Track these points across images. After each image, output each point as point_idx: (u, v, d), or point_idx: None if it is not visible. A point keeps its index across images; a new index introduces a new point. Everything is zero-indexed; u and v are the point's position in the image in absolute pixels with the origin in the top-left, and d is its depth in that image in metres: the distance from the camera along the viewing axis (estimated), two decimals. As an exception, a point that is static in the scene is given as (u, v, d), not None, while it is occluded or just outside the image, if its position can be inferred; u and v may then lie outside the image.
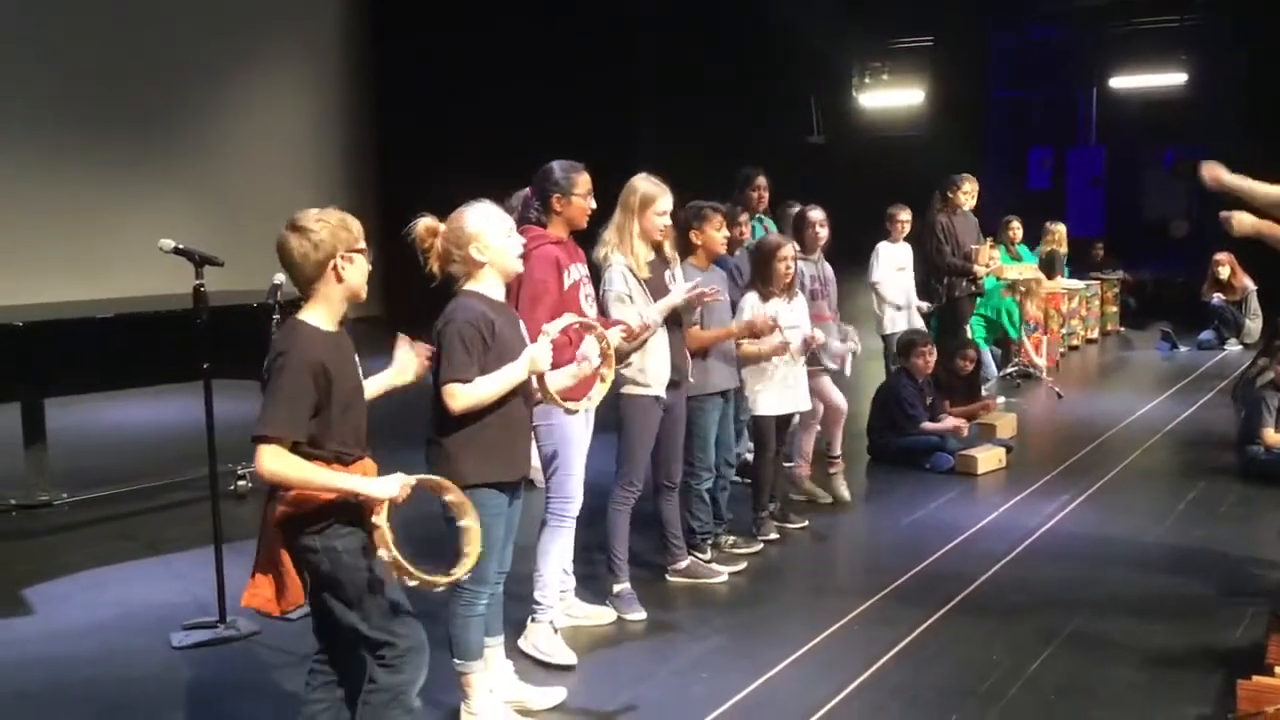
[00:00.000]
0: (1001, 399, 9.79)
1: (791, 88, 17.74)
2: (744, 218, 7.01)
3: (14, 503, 6.79)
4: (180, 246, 4.94)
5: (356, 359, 3.36)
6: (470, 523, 3.38)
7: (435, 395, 3.76)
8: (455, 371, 3.70)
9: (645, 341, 4.95)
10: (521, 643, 4.72)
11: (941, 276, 9.29)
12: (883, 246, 8.84)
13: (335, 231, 3.21)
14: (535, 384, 3.86)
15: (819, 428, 6.93)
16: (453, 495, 3.39)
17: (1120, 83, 17.95)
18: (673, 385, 5.22)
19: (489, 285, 3.85)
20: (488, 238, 3.79)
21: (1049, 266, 12.30)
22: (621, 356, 4.82)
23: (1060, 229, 12.99)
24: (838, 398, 6.87)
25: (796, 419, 6.59)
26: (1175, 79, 16.97)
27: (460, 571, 3.33)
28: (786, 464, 6.76)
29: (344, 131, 16.13)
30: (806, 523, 6.53)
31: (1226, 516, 6.66)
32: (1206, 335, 13.24)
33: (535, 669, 4.58)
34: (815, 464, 7.05)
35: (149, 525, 6.61)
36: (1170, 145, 17.84)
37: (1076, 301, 13.13)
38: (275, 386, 3.13)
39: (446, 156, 13.99)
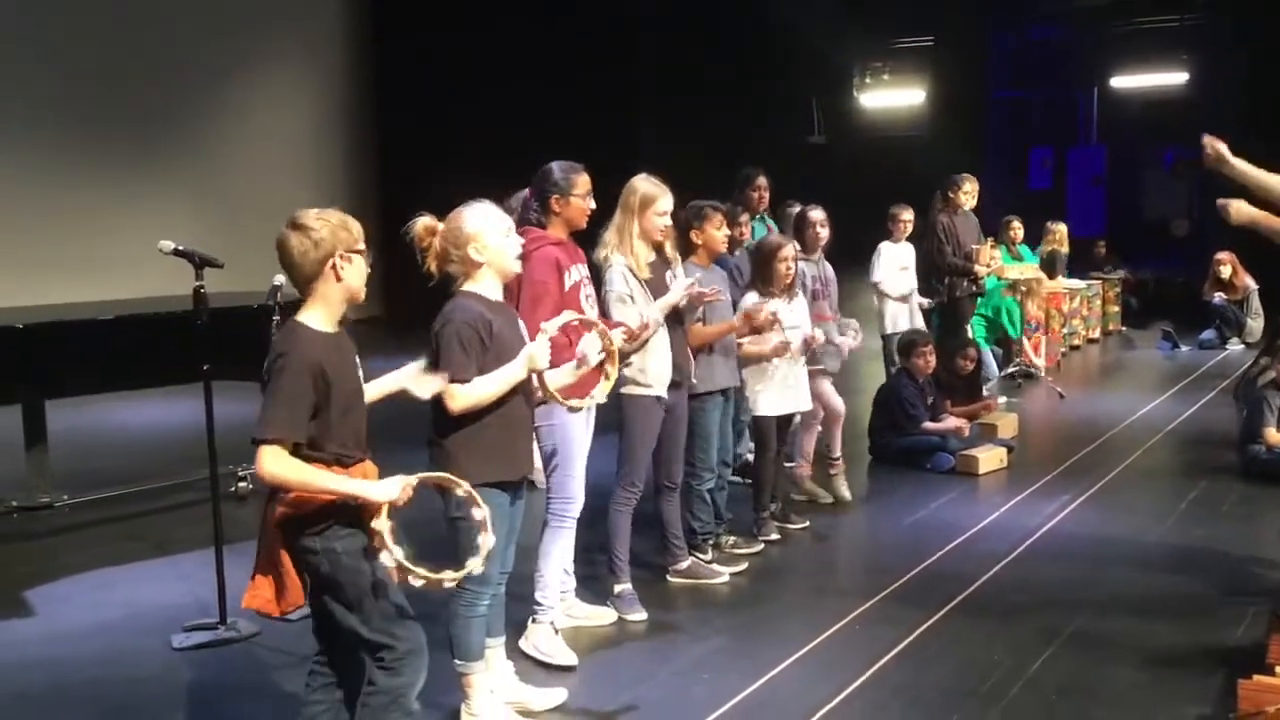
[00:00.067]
0: (1003, 399, 9.79)
1: (792, 88, 17.75)
2: (744, 218, 7.01)
3: (15, 504, 6.79)
4: (180, 248, 4.94)
5: (357, 360, 3.36)
6: (483, 514, 3.37)
7: (434, 396, 3.76)
8: (455, 372, 3.70)
9: (646, 341, 4.95)
10: (522, 643, 4.71)
11: (942, 276, 9.29)
12: (884, 246, 8.85)
13: (335, 231, 3.21)
14: (536, 383, 3.86)
15: (819, 429, 6.92)
16: (462, 489, 3.38)
17: (1121, 82, 17.96)
18: (674, 385, 5.22)
19: (487, 286, 3.85)
20: (486, 238, 3.79)
21: (1050, 266, 12.29)
22: (622, 357, 4.82)
23: (1061, 229, 12.99)
24: (836, 401, 6.87)
25: (798, 419, 6.59)
26: (1176, 79, 16.97)
27: (475, 565, 3.32)
28: (787, 464, 6.76)
29: (344, 132, 16.13)
30: (807, 523, 6.53)
31: (1228, 516, 6.65)
32: (1208, 334, 13.23)
33: (536, 670, 4.58)
34: (816, 464, 7.04)
35: (150, 527, 6.61)
36: (1171, 145, 17.83)
37: (1078, 301, 13.12)
38: (274, 388, 3.13)
39: (446, 157, 13.99)
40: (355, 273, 3.25)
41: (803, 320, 6.19)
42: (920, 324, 8.83)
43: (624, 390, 5.04)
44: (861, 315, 7.09)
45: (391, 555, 3.11)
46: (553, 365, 3.97)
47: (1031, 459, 8.07)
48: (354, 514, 3.21)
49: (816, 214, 6.84)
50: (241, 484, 6.96)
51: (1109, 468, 7.74)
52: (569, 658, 4.66)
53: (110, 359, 6.29)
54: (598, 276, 5.02)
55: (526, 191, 4.92)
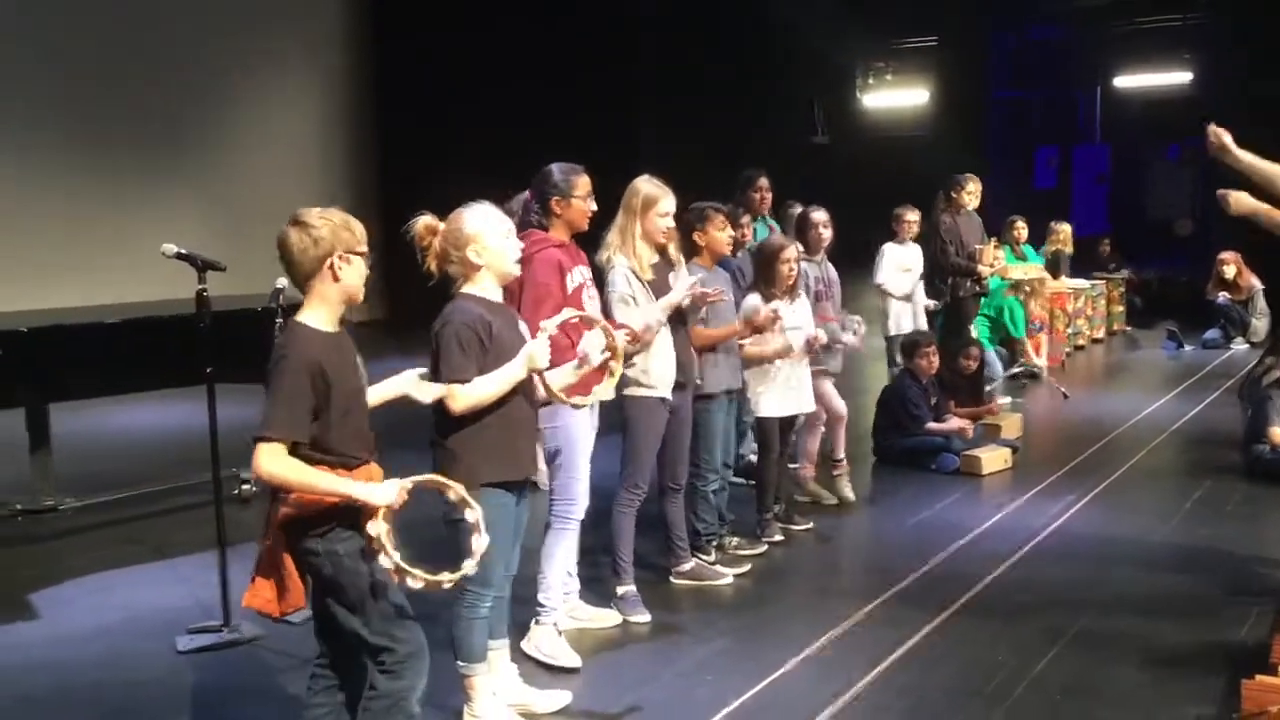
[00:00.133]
0: (1007, 399, 9.77)
1: (795, 88, 17.74)
2: (746, 219, 7.01)
3: (19, 507, 6.80)
4: (182, 251, 4.95)
5: (359, 360, 3.35)
6: (475, 515, 3.36)
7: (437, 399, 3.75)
8: (453, 373, 3.71)
9: (649, 343, 4.95)
10: (525, 645, 4.71)
11: (946, 277, 9.28)
12: (888, 247, 8.84)
13: (336, 231, 3.21)
14: (538, 383, 3.86)
15: (822, 430, 6.91)
16: (454, 492, 3.38)
17: (1124, 81, 17.94)
18: (678, 386, 5.21)
19: (486, 287, 3.85)
20: (486, 240, 3.79)
21: (1054, 266, 12.29)
22: (626, 358, 4.82)
23: (1065, 229, 12.99)
24: (838, 403, 6.87)
25: (801, 420, 6.58)
26: (1179, 78, 16.95)
27: (470, 566, 3.31)
28: (791, 465, 6.76)
29: (345, 133, 16.13)
30: (811, 524, 6.52)
31: (1232, 516, 6.64)
32: (1212, 334, 13.21)
33: (539, 672, 4.57)
34: (819, 465, 7.04)
35: (153, 530, 6.62)
36: (1175, 143, 17.83)
37: (1082, 301, 13.10)
38: (274, 388, 3.14)
39: (447, 157, 14.00)
40: (353, 274, 3.25)
41: (805, 321, 6.19)
42: (924, 325, 8.82)
43: (627, 392, 5.04)
44: (865, 316, 7.06)
45: (390, 558, 3.10)
46: (555, 365, 3.98)
47: (1036, 459, 8.05)
48: (356, 516, 3.20)
49: (819, 215, 6.84)
50: (245, 486, 6.96)
51: (1113, 468, 7.73)
52: (572, 659, 4.66)
53: (113, 362, 6.30)
54: (600, 278, 5.02)
55: (527, 193, 4.91)
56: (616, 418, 5.11)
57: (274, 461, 3.09)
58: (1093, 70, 18.23)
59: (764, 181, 7.48)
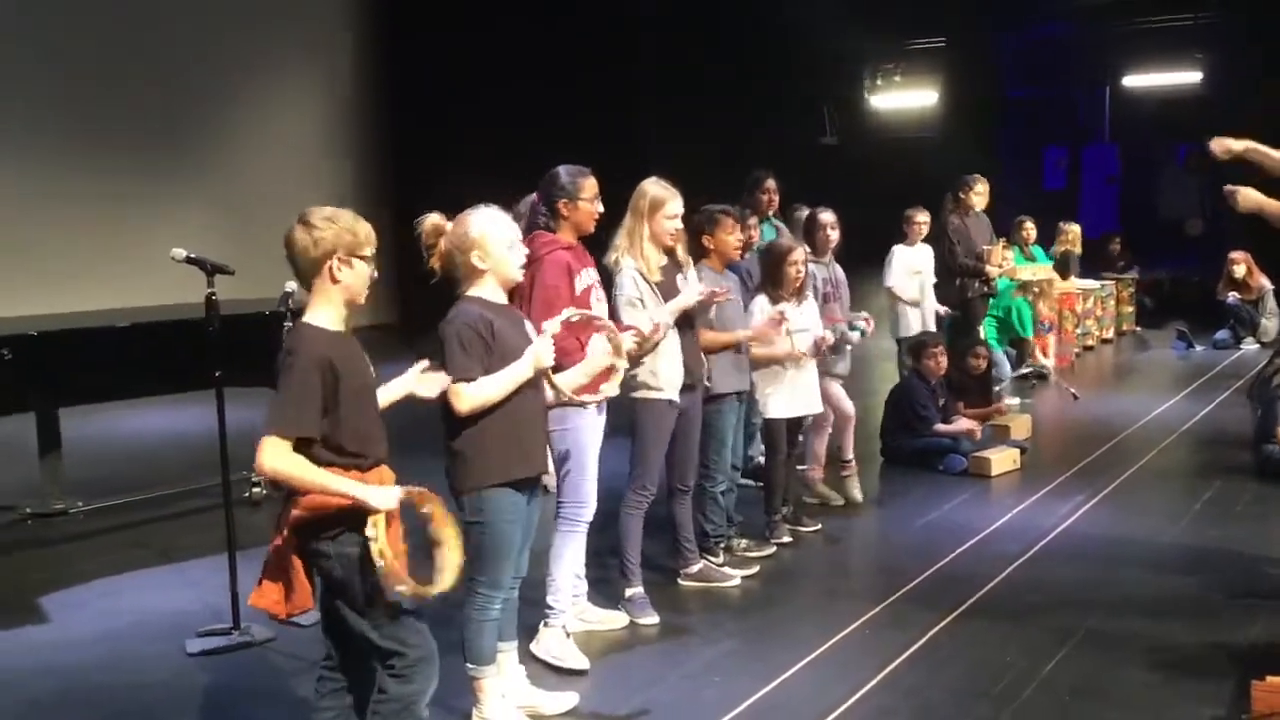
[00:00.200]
0: (1016, 400, 9.76)
1: (804, 90, 17.74)
2: (753, 220, 7.00)
3: (29, 511, 6.83)
4: (191, 255, 4.97)
5: (367, 359, 3.36)
6: (450, 533, 3.34)
7: (444, 400, 3.77)
8: (457, 372, 3.72)
9: (657, 344, 4.95)
10: (534, 647, 4.71)
11: (954, 278, 9.26)
12: (898, 249, 8.81)
13: (339, 233, 3.22)
14: (546, 384, 3.87)
15: (830, 431, 6.91)
16: (429, 506, 3.33)
17: (1134, 81, 17.90)
18: (686, 388, 5.21)
19: (489, 291, 3.87)
20: (489, 247, 3.80)
21: (1063, 267, 12.26)
22: (634, 360, 4.83)
23: (1074, 229, 12.96)
24: (846, 405, 6.86)
25: (809, 421, 6.58)
26: (1189, 77, 16.91)
27: (445, 584, 3.28)
28: (799, 467, 6.75)
29: (354, 135, 16.12)
30: (819, 525, 6.52)
31: (1242, 516, 6.62)
32: (1222, 334, 13.17)
33: (547, 674, 4.58)
34: (827, 466, 7.04)
35: (163, 533, 6.64)
36: (1185, 143, 17.76)
37: (1091, 302, 13.07)
38: (283, 385, 3.14)
39: (457, 159, 13.97)
40: (353, 277, 3.25)
41: (813, 323, 6.19)
42: (933, 327, 8.79)
43: (635, 394, 5.05)
44: (875, 317, 7.04)
45: (384, 560, 3.09)
46: (566, 366, 4.00)
47: (1045, 460, 8.04)
48: (366, 519, 3.21)
49: (827, 216, 6.83)
50: (256, 489, 6.98)
51: (1123, 468, 7.71)
52: (580, 661, 4.66)
53: (123, 366, 6.32)
54: (608, 280, 5.03)
55: (534, 196, 4.92)
56: (625, 420, 5.11)
57: (277, 456, 3.09)
58: (1102, 70, 18.19)
59: (771, 183, 7.47)
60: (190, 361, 5.65)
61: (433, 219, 3.85)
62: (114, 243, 12.55)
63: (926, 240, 8.92)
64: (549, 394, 3.97)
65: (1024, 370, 10.89)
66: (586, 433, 4.72)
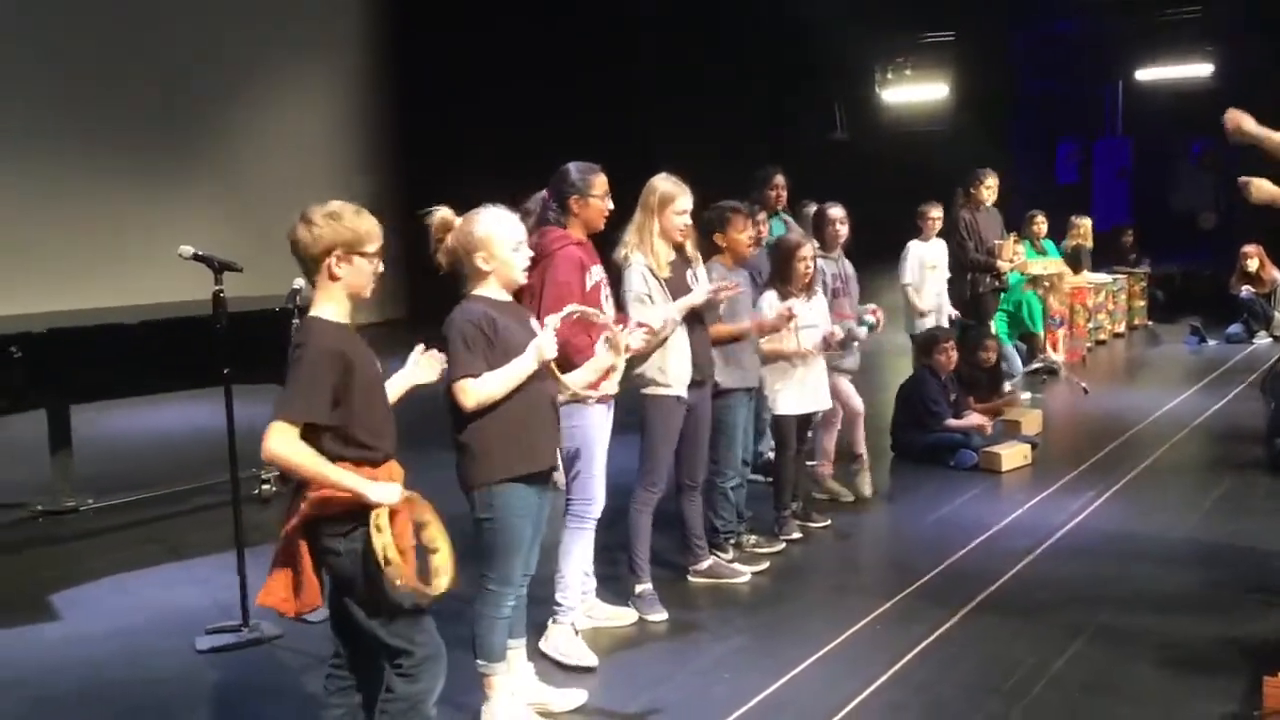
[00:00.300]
0: (1027, 395, 9.73)
1: (814, 85, 17.69)
2: (762, 216, 6.99)
3: (40, 508, 6.85)
4: (199, 253, 4.97)
5: (372, 353, 3.36)
6: (442, 541, 3.33)
7: (449, 397, 3.77)
8: (461, 369, 3.73)
9: (665, 340, 4.94)
10: (543, 644, 4.71)
11: (965, 272, 9.23)
12: (913, 245, 8.76)
13: (339, 230, 3.21)
14: (551, 377, 3.87)
15: (840, 427, 6.89)
16: (425, 514, 3.33)
17: (1146, 74, 17.81)
18: (695, 384, 5.21)
19: (494, 291, 3.87)
20: (494, 249, 3.80)
21: (1075, 261, 12.22)
22: (642, 356, 4.83)
23: (1086, 223, 12.92)
24: (855, 401, 6.84)
25: (819, 417, 6.57)
26: (1201, 70, 16.83)
27: (443, 585, 3.27)
28: (809, 463, 6.74)
29: (364, 133, 16.15)
30: (829, 521, 6.50)
31: (1255, 511, 6.59)
32: (1235, 328, 13.11)
33: (556, 671, 4.58)
34: (837, 462, 7.02)
35: (173, 530, 6.66)
36: (1197, 136, 17.68)
37: (1103, 296, 13.03)
38: (293, 375, 3.14)
39: (467, 157, 14.00)
40: (353, 273, 3.24)
41: (822, 319, 6.18)
42: (946, 321, 8.75)
43: (644, 391, 5.05)
44: (886, 313, 7.00)
45: (384, 555, 3.08)
46: (579, 364, 4.03)
47: (1056, 455, 8.01)
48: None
49: (836, 211, 6.82)
50: (265, 486, 7.00)
51: (1134, 463, 7.68)
52: (589, 659, 4.66)
53: (132, 363, 6.32)
54: (616, 276, 5.02)
55: (544, 192, 4.91)
56: (634, 416, 5.11)
57: (283, 442, 3.08)
58: (1114, 64, 18.11)
59: (780, 179, 7.45)
60: (199, 359, 5.66)
61: (442, 213, 3.85)
62: (122, 241, 12.59)
63: (940, 235, 8.88)
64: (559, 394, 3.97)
65: (1035, 365, 10.85)
66: (595, 430, 4.71)
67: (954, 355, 8.01)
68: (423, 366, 3.72)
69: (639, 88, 15.18)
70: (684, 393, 5.12)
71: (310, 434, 3.13)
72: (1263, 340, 12.83)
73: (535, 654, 4.56)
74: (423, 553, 3.33)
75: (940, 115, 18.17)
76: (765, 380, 6.00)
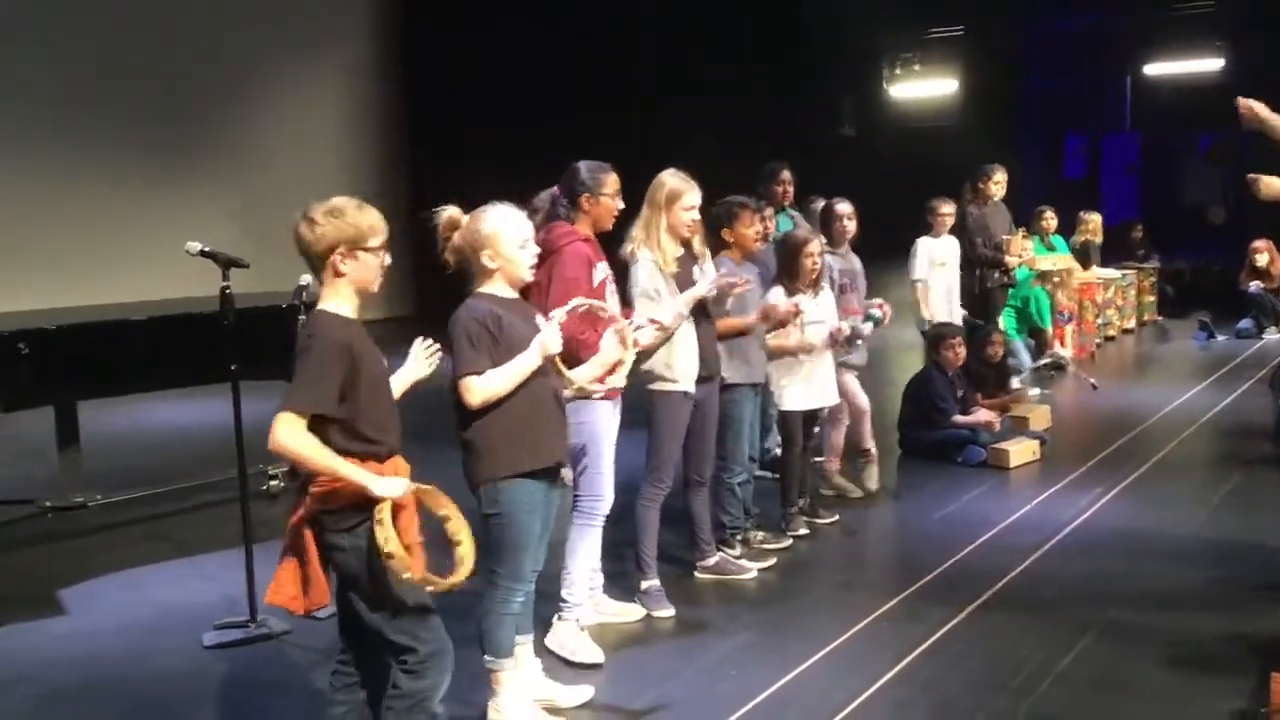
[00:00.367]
0: (1035, 391, 9.70)
1: (822, 80, 17.67)
2: (769, 212, 6.98)
3: (48, 504, 6.85)
4: (206, 249, 4.97)
5: (378, 350, 3.36)
6: (465, 533, 3.33)
7: (455, 395, 3.77)
8: (464, 366, 3.73)
9: (671, 335, 4.94)
10: (549, 641, 4.71)
11: (973, 268, 9.21)
12: (923, 241, 8.70)
13: (341, 227, 3.21)
14: (556, 373, 3.86)
15: (847, 423, 6.88)
16: (445, 509, 3.33)
17: (1155, 69, 17.77)
18: (703, 380, 5.20)
19: (500, 289, 3.86)
20: (500, 246, 3.80)
21: (1083, 257, 12.18)
22: (649, 352, 4.82)
23: (1095, 218, 12.87)
24: (861, 398, 6.83)
25: (826, 413, 6.56)
26: (1211, 65, 16.78)
27: (460, 576, 3.28)
28: (816, 459, 6.73)
29: (372, 129, 16.15)
30: (837, 518, 6.50)
31: (1264, 507, 6.56)
32: (1245, 324, 13.07)
33: (563, 667, 4.57)
34: (845, 459, 7.01)
35: (180, 526, 6.67)
36: (1206, 131, 17.64)
37: (1112, 291, 12.99)
38: (301, 366, 3.14)
39: (476, 154, 14.00)
40: (359, 268, 3.25)
41: (828, 315, 6.17)
42: (959, 318, 8.71)
43: (651, 386, 5.05)
44: (895, 308, 6.97)
45: (389, 548, 3.08)
46: (586, 359, 4.02)
47: (1064, 452, 7.98)
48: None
49: (843, 207, 6.80)
50: (273, 482, 7.00)
51: (1143, 460, 7.67)
52: (595, 655, 4.66)
53: (140, 360, 6.32)
54: (623, 272, 5.02)
55: (554, 190, 4.90)
56: (641, 412, 5.10)
57: (290, 433, 3.08)
58: (1123, 58, 18.06)
59: (787, 174, 7.44)
60: (206, 355, 5.67)
61: (449, 212, 3.85)
62: (129, 237, 12.61)
63: (951, 232, 8.84)
64: (566, 390, 3.97)
65: (1043, 361, 10.82)
66: (602, 426, 4.71)
67: (961, 352, 7.99)
68: (419, 360, 3.71)
69: (646, 85, 15.16)
70: (691, 388, 5.11)
71: (317, 428, 3.13)
72: (1272, 335, 12.81)
73: (541, 650, 4.56)
74: (437, 549, 3.32)
75: (948, 110, 18.16)
76: (771, 376, 5.99)
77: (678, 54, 15.37)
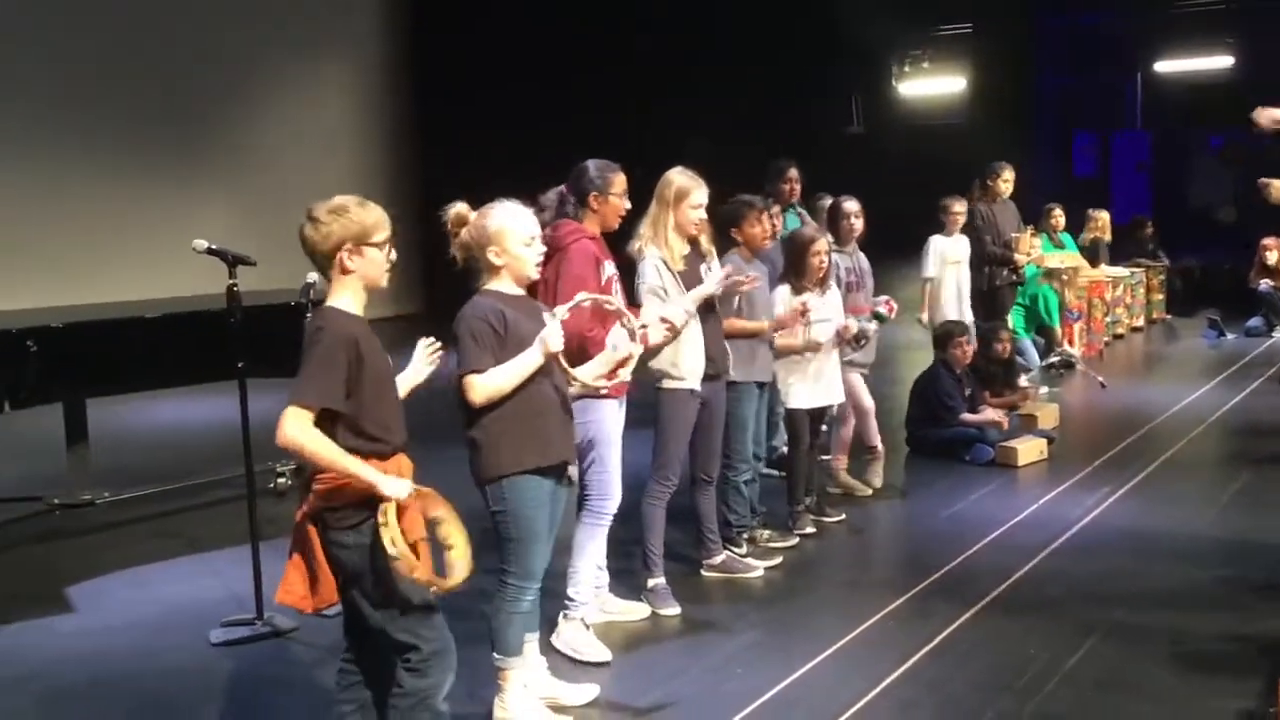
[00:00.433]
0: (1044, 389, 9.68)
1: (831, 79, 17.64)
2: (776, 209, 6.97)
3: (56, 502, 6.88)
4: (213, 247, 4.98)
5: (385, 352, 3.36)
6: (458, 537, 3.33)
7: (459, 393, 3.77)
8: (468, 364, 3.74)
9: (679, 333, 4.93)
10: (555, 639, 4.71)
11: (982, 265, 9.19)
12: (935, 240, 8.70)
13: (346, 224, 3.22)
14: (559, 370, 3.86)
15: (854, 422, 6.87)
16: (439, 510, 3.32)
17: (1166, 67, 17.71)
18: (710, 378, 5.20)
19: (506, 286, 3.87)
20: (507, 244, 3.80)
21: (1092, 255, 12.15)
22: (655, 350, 4.82)
23: (1103, 216, 12.85)
24: (865, 399, 6.80)
25: (834, 411, 6.55)
26: (1221, 62, 16.73)
27: (457, 578, 3.27)
28: (823, 457, 6.72)
29: (381, 127, 16.15)
30: (843, 516, 6.48)
31: (1272, 506, 6.53)
32: (1254, 322, 13.03)
33: (568, 665, 4.57)
34: (852, 457, 7.00)
35: (188, 523, 6.68)
36: (1216, 129, 17.58)
37: (1121, 289, 12.96)
38: (308, 359, 3.15)
39: (484, 152, 14.00)
40: (366, 265, 3.26)
41: (835, 313, 6.16)
42: (970, 316, 8.70)
43: (658, 384, 5.04)
44: (902, 307, 6.96)
45: (395, 547, 3.09)
46: (593, 355, 4.03)
47: (1072, 450, 7.96)
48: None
49: (850, 205, 6.79)
50: (280, 480, 7.02)
51: (1151, 458, 7.64)
52: (603, 653, 4.66)
53: (148, 357, 6.33)
54: (630, 269, 5.02)
55: (562, 188, 4.90)
56: (648, 410, 5.10)
57: (298, 428, 3.08)
58: (1133, 56, 18.01)
59: (794, 172, 7.44)
60: (214, 353, 5.67)
61: (458, 208, 3.86)
62: (129, 236, 12.63)
63: (963, 230, 8.82)
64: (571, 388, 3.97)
65: (1051, 359, 10.80)
66: (608, 424, 4.71)
67: (969, 350, 7.97)
68: (421, 364, 3.70)
69: (654, 84, 15.14)
70: (697, 386, 5.12)
71: (323, 424, 3.13)
72: (1282, 334, 12.76)
73: (547, 648, 4.55)
74: (438, 549, 3.33)
75: (957, 108, 18.11)
76: (778, 374, 5.99)
77: (684, 53, 15.36)
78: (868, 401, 6.84)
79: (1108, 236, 12.82)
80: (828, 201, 7.27)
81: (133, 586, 5.69)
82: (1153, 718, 4.12)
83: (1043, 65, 18.55)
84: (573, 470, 4.72)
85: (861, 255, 6.86)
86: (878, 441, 6.99)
